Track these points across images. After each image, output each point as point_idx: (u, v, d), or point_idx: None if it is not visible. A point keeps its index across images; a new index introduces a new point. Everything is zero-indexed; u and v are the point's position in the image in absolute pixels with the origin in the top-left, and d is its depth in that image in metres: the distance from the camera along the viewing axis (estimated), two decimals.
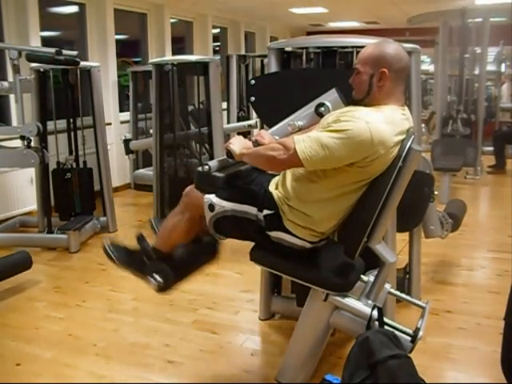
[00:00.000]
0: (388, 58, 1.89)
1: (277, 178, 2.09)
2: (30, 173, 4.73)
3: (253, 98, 2.54)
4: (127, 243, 2.37)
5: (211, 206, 2.07)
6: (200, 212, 2.12)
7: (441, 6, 6.95)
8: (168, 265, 2.24)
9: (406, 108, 2.00)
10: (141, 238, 2.32)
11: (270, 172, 2.29)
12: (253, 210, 2.03)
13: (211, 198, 2.07)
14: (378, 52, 1.91)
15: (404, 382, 1.67)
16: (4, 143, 3.96)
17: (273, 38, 10.24)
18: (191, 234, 2.27)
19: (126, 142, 5.86)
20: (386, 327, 1.93)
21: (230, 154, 2.06)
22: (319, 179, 1.92)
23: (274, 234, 2.02)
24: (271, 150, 1.92)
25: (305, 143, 1.82)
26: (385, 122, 1.82)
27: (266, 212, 2.00)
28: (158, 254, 2.27)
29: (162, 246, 2.28)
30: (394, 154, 1.86)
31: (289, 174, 2.02)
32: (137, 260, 2.29)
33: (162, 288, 2.24)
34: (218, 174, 2.09)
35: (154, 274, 2.22)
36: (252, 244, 2.17)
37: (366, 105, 1.92)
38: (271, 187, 2.06)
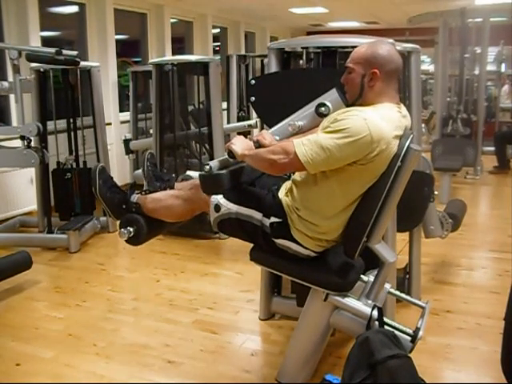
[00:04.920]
0: (379, 59, 1.90)
1: (287, 184, 2.08)
2: (30, 173, 4.73)
3: (253, 98, 2.54)
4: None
5: (217, 207, 2.07)
6: (204, 208, 2.14)
7: (441, 5, 6.95)
8: (144, 221, 2.26)
9: (402, 106, 2.00)
10: (133, 187, 2.36)
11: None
12: (258, 215, 2.03)
13: (218, 198, 2.08)
14: (370, 52, 1.92)
15: (404, 382, 1.67)
16: (4, 143, 3.96)
17: (273, 38, 10.25)
18: (181, 219, 2.31)
19: (126, 141, 5.86)
20: (386, 327, 1.93)
21: (231, 153, 2.06)
22: (322, 183, 1.91)
23: (279, 241, 2.01)
24: (272, 154, 1.91)
25: (305, 146, 1.82)
26: (382, 118, 1.83)
27: (273, 219, 2.00)
28: (138, 211, 2.29)
29: (146, 208, 2.29)
30: (394, 149, 1.86)
31: (294, 184, 2.01)
32: (115, 200, 2.32)
33: (132, 240, 2.27)
34: (221, 172, 2.09)
35: (129, 227, 2.24)
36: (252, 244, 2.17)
37: (360, 105, 1.93)
38: (281, 193, 2.06)
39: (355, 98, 1.96)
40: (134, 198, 2.31)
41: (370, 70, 1.90)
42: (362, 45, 1.97)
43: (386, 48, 1.92)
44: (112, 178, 2.42)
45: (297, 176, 2.02)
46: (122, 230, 2.25)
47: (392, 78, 1.94)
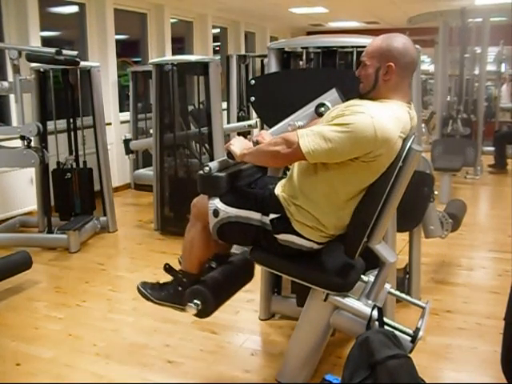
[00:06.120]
0: (395, 52, 1.86)
1: (283, 181, 2.08)
2: (30, 173, 4.73)
3: (253, 98, 2.54)
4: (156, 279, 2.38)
5: (216, 212, 2.06)
6: (207, 218, 2.11)
7: (441, 5, 6.95)
8: (204, 287, 2.17)
9: (412, 106, 1.98)
10: (168, 268, 2.28)
11: (272, 174, 2.28)
12: (257, 215, 2.02)
13: (216, 203, 2.07)
14: (385, 46, 1.88)
15: (404, 382, 1.67)
16: (4, 143, 3.96)
17: (273, 38, 10.25)
18: (211, 245, 2.22)
19: (126, 142, 5.86)
20: (386, 327, 1.93)
21: (230, 154, 2.06)
22: (322, 172, 1.90)
23: (281, 236, 2.00)
24: (274, 145, 1.91)
25: (308, 137, 1.81)
26: (389, 117, 1.80)
27: (272, 216, 1.99)
28: (189, 277, 2.23)
29: (188, 267, 2.24)
30: (397, 150, 1.84)
31: (295, 171, 2.00)
32: (171, 291, 2.27)
33: (202, 311, 2.16)
34: (220, 174, 2.09)
35: (194, 299, 2.14)
36: None
37: (371, 98, 1.90)
38: (277, 190, 2.05)
39: (367, 90, 1.91)
40: (178, 272, 2.27)
41: (386, 64, 1.86)
42: (377, 38, 1.93)
43: (402, 41, 1.89)
44: (153, 281, 2.36)
45: (297, 164, 2.01)
46: (189, 304, 2.15)
47: (408, 72, 1.91)
